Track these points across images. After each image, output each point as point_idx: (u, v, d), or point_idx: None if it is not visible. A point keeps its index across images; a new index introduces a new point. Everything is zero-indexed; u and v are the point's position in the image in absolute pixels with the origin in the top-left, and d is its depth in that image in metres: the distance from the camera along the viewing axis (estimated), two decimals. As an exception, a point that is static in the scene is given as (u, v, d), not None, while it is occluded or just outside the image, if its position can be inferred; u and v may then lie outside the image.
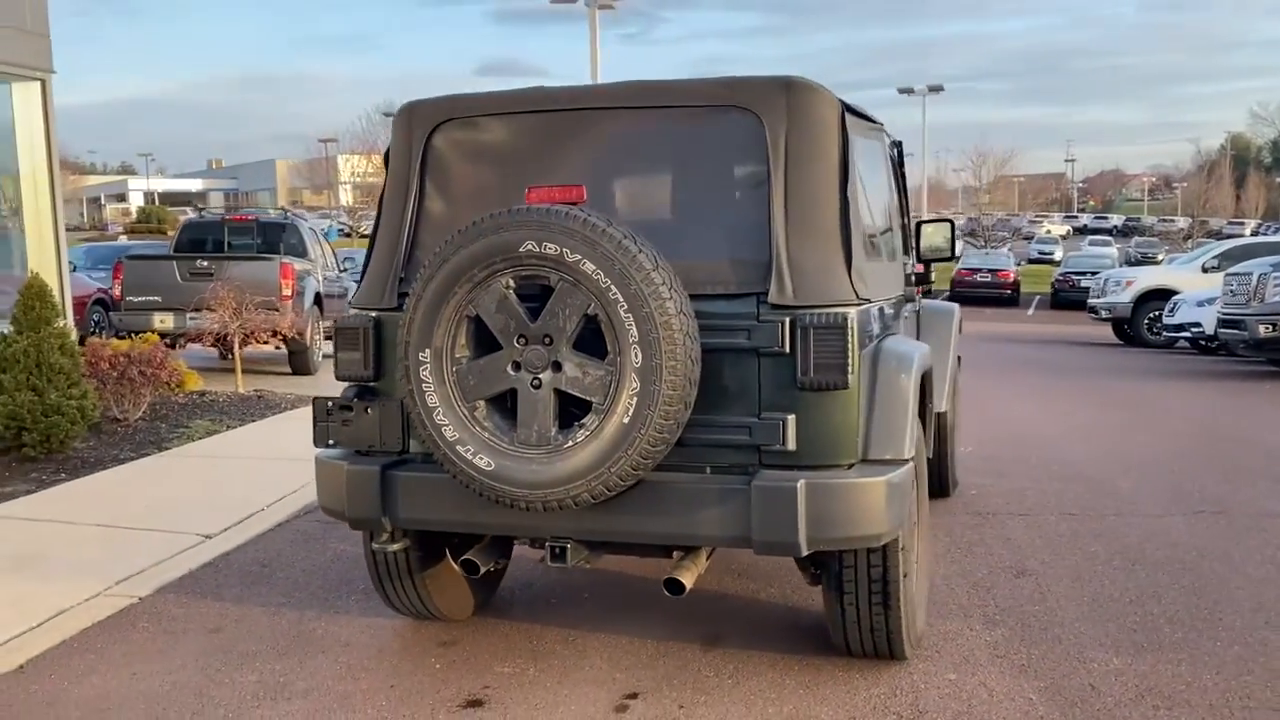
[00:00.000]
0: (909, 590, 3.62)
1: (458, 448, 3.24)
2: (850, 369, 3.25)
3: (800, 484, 3.19)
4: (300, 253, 13.26)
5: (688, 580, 3.43)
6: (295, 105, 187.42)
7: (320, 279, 13.24)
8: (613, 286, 3.06)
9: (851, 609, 3.61)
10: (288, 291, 11.82)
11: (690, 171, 3.58)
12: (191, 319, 11.15)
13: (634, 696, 3.63)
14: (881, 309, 3.79)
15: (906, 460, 3.44)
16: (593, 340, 3.18)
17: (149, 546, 5.39)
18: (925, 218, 5.37)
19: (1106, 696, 3.58)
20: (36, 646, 4.14)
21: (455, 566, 3.89)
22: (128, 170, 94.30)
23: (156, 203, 76.80)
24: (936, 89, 38.39)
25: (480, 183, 3.71)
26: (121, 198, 79.31)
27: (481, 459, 3.23)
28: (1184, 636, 4.09)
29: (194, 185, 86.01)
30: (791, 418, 3.29)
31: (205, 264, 11.89)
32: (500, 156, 3.75)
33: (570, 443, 3.17)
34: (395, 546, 3.67)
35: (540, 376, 3.21)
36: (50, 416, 7.13)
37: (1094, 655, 3.92)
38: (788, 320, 3.26)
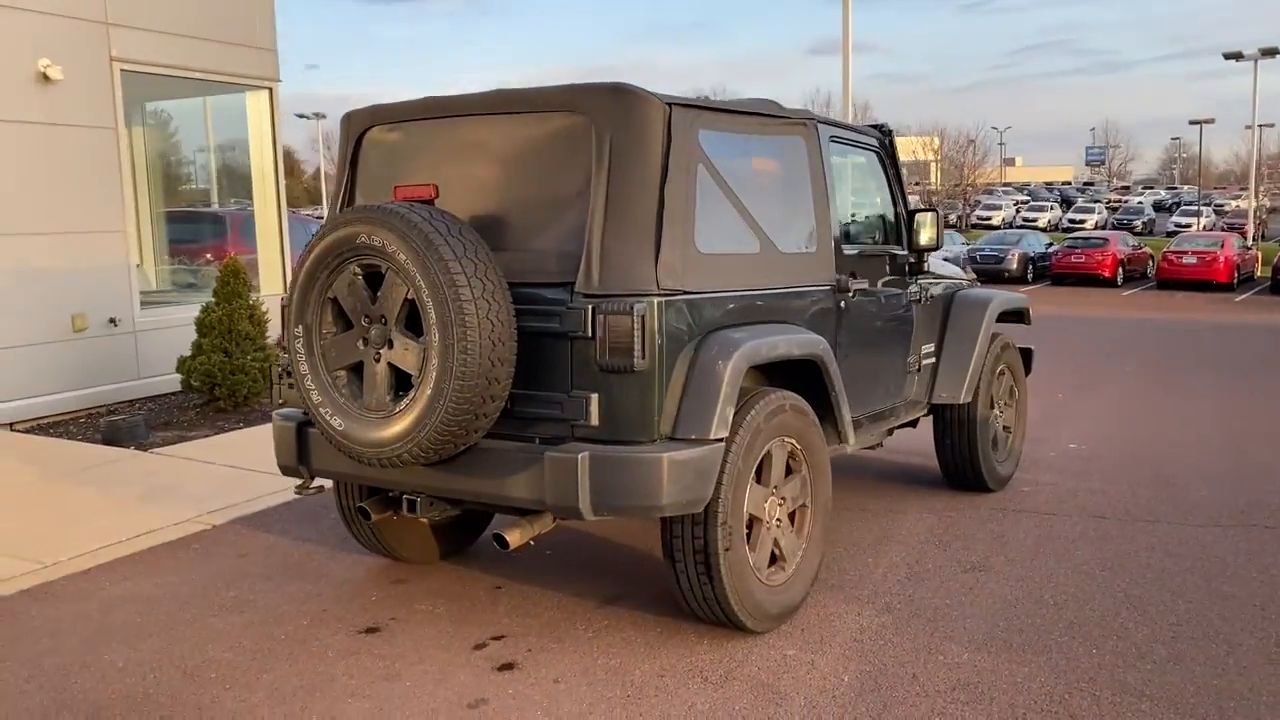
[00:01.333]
0: (732, 562, 3.85)
1: (320, 409, 3.88)
2: (640, 354, 3.57)
3: (583, 456, 3.56)
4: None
5: (512, 538, 3.87)
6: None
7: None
8: (418, 275, 3.57)
9: (683, 576, 3.91)
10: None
11: (534, 171, 3.98)
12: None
13: (500, 638, 4.12)
14: (726, 300, 3.99)
15: (712, 441, 3.71)
16: (417, 321, 3.69)
17: (254, 486, 6.43)
18: (917, 207, 5.35)
19: (918, 685, 3.67)
20: (110, 556, 5.21)
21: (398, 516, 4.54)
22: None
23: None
24: (1271, 52, 34.18)
25: (388, 179, 4.31)
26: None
27: (336, 419, 3.85)
28: (1061, 642, 4.03)
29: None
30: (595, 396, 3.66)
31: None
32: (402, 157, 4.33)
33: (397, 409, 3.71)
34: (311, 491, 4.36)
35: (380, 352, 3.78)
36: (236, 375, 8.50)
37: (948, 650, 3.97)
38: (590, 307, 3.63)
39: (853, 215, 5.21)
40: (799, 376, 4.34)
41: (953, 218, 50.24)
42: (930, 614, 4.32)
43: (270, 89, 10.47)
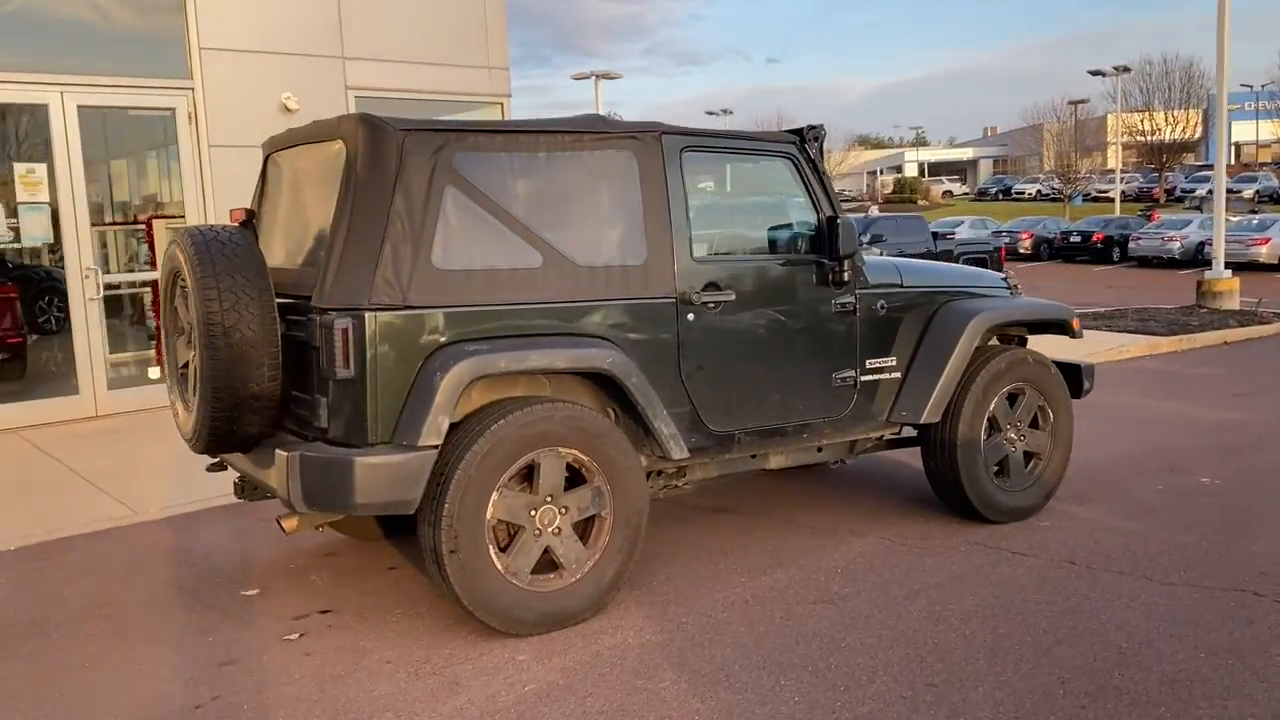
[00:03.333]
0: (460, 564, 4.03)
1: (172, 401, 4.62)
2: (344, 364, 3.91)
3: (292, 455, 3.97)
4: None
5: (289, 525, 4.31)
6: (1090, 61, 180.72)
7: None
8: (184, 289, 4.16)
9: (431, 570, 4.18)
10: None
11: (317, 195, 4.39)
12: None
13: (306, 617, 4.64)
14: (477, 314, 4.16)
15: (423, 448, 3.94)
16: None
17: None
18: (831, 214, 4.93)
19: (518, 684, 3.70)
20: (172, 513, 6.36)
21: None
22: (920, 142, 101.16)
23: (927, 173, 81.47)
24: None
25: (263, 202, 4.94)
26: (898, 169, 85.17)
27: (177, 406, 4.57)
28: (779, 687, 3.77)
29: (965, 154, 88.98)
30: (324, 400, 4.06)
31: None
32: (267, 182, 4.96)
33: (193, 404, 4.35)
34: (213, 467, 5.08)
35: (189, 355, 4.43)
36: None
37: (659, 684, 3.88)
38: (317, 320, 4.02)
39: (727, 225, 5.05)
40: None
41: None
42: (694, 640, 4.20)
43: (501, 104, 11.56)
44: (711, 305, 4.73)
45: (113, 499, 6.55)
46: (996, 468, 5.61)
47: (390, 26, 10.71)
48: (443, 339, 4.11)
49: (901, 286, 5.43)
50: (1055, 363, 5.95)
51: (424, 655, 4.13)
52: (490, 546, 4.15)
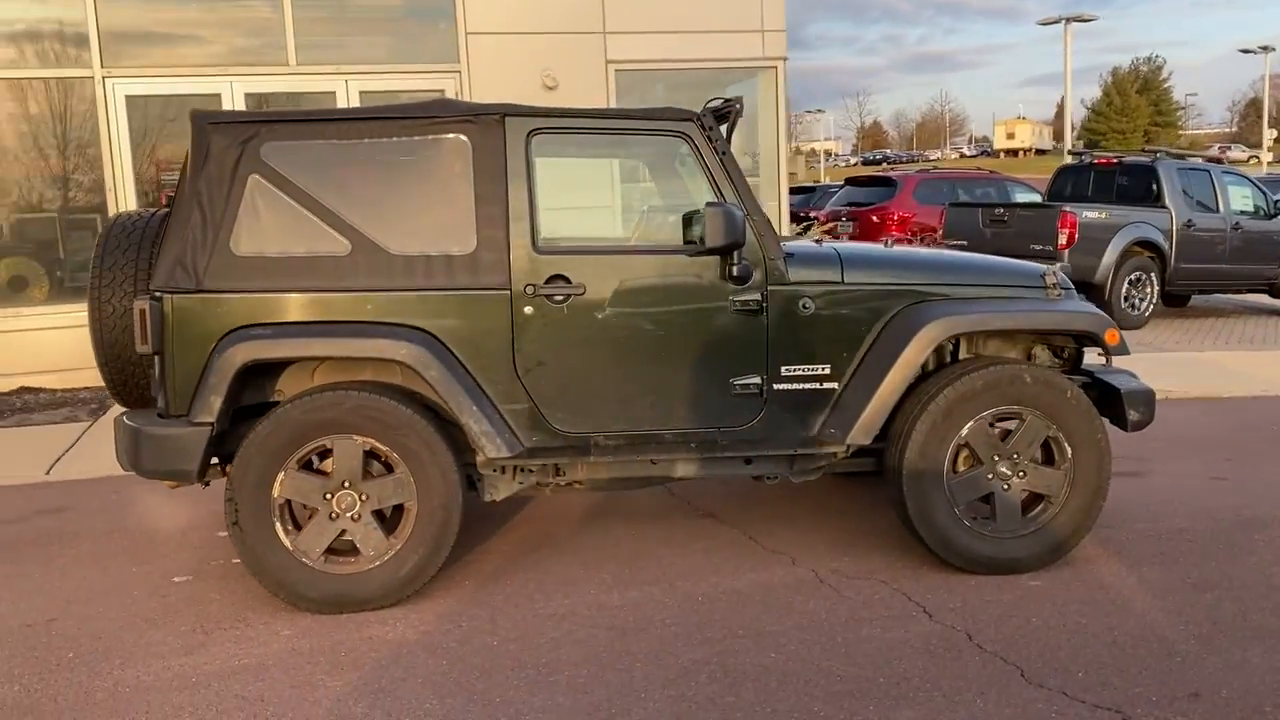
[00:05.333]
0: (242, 537, 4.26)
1: None
2: (145, 341, 4.26)
3: (117, 419, 4.44)
4: (1151, 199, 12.46)
5: (168, 483, 4.76)
6: None
7: (1174, 229, 12.27)
8: None
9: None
10: (1063, 240, 11.66)
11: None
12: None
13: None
14: (272, 300, 4.31)
15: (196, 424, 4.24)
16: None
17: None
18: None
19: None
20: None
21: None
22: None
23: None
24: None
25: None
26: None
27: None
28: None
29: None
30: (154, 374, 4.48)
31: (1001, 212, 12.42)
32: None
33: None
34: None
35: None
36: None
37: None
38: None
39: (590, 214, 4.59)
40: None
41: None
42: (457, 645, 4.05)
43: (776, 68, 11.19)
44: (557, 299, 4.44)
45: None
46: (976, 508, 4.63)
47: (655, -4, 10.80)
48: (237, 323, 4.34)
49: (840, 284, 4.63)
50: (1093, 383, 4.74)
51: (217, 612, 4.44)
52: (276, 523, 4.33)
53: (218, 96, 9.88)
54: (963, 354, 4.98)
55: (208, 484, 4.65)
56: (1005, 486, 4.62)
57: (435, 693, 3.68)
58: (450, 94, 10.43)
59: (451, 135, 4.44)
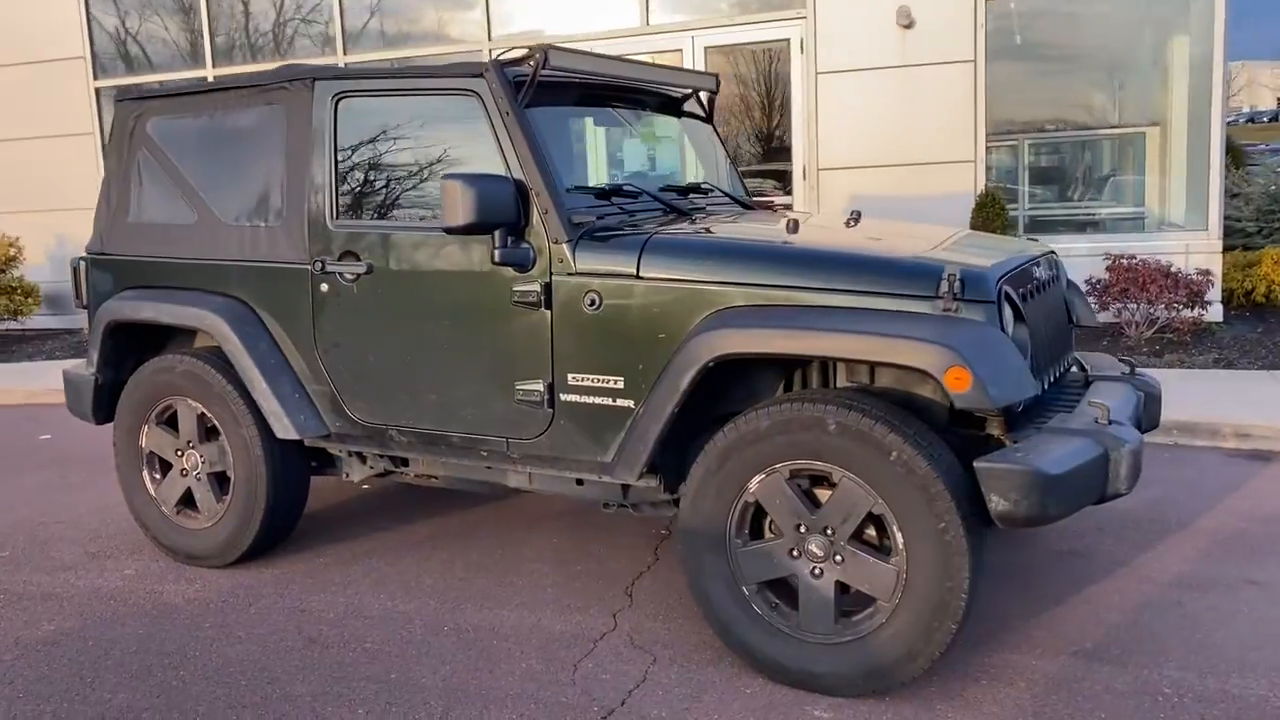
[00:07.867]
0: (120, 477, 4.71)
1: None
2: (78, 297, 4.85)
3: (64, 369, 5.09)
4: None
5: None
6: None
7: None
8: None
9: None
10: None
11: None
12: None
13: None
14: (149, 265, 4.57)
15: (89, 375, 4.75)
16: None
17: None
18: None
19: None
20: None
21: None
22: None
23: None
24: None
25: None
26: None
27: None
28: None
29: None
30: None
31: None
32: None
33: None
34: None
35: None
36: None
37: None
38: None
39: (385, 185, 4.01)
40: None
41: None
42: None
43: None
44: (348, 277, 4.10)
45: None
46: (768, 593, 3.40)
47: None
48: (124, 286, 4.70)
49: (634, 277, 3.60)
50: (958, 434, 3.20)
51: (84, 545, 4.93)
52: (145, 470, 4.68)
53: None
54: (841, 381, 3.63)
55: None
56: (815, 571, 3.31)
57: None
58: (795, 41, 9.72)
59: (274, 103, 4.30)
